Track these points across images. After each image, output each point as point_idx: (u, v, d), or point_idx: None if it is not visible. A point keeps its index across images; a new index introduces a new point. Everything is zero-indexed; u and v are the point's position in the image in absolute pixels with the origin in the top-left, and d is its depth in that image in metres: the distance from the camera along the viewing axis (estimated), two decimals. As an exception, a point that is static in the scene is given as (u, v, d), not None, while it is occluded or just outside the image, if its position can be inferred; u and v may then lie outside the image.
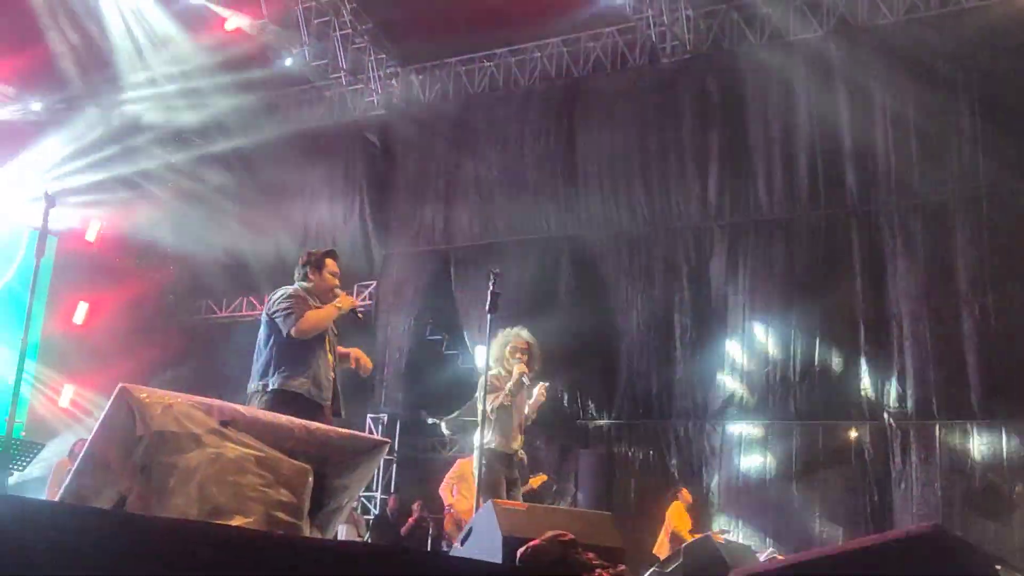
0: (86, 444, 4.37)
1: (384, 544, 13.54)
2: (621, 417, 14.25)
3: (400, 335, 15.78)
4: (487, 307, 7.19)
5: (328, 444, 4.79)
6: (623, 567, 5.37)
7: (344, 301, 6.13)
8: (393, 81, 16.38)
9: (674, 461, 13.74)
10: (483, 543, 6.32)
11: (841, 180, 13.25)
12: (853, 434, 12.81)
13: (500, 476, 7.18)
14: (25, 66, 13.74)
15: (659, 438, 13.91)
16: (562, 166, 14.92)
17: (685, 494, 12.21)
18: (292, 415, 4.71)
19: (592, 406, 14.42)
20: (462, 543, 6.78)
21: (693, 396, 13.80)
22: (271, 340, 5.99)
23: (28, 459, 10.57)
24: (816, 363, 13.08)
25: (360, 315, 6.25)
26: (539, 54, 15.34)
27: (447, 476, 10.26)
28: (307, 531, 4.62)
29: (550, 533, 4.68)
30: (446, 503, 10.26)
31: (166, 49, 14.59)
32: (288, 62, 15.45)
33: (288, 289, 6.13)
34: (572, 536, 4.63)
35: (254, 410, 4.80)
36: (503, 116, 15.48)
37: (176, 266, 16.94)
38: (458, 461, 10.48)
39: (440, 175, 15.88)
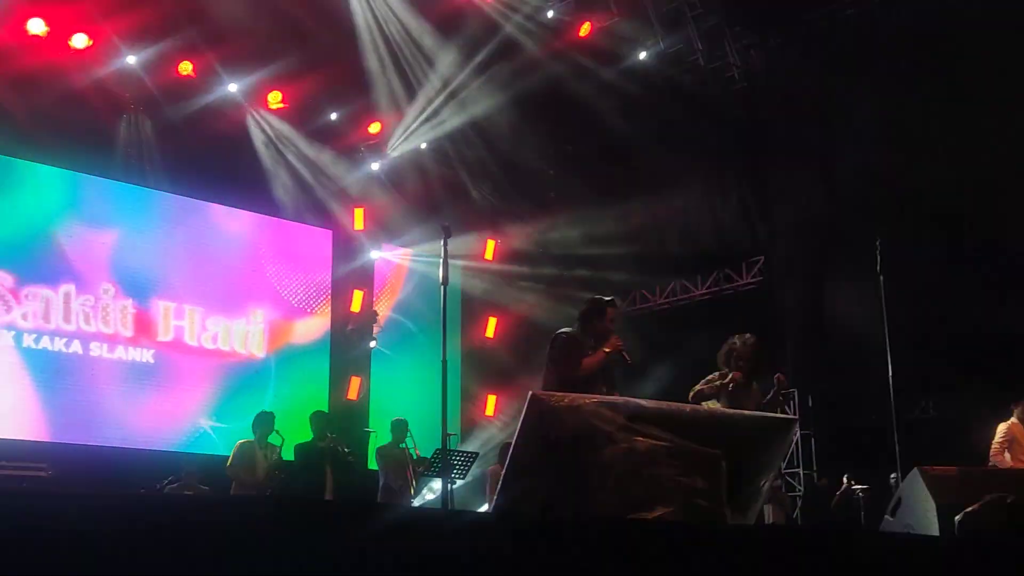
0: (509, 452, 4.69)
1: (811, 523, 13.26)
2: None
3: (795, 306, 15.37)
4: (878, 269, 7.11)
5: (734, 428, 4.80)
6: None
7: (612, 344, 6.57)
8: (751, 51, 15.98)
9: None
10: (915, 514, 6.02)
11: None
12: None
13: None
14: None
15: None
16: (949, 104, 13.65)
17: None
18: None
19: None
20: (892, 514, 6.50)
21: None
22: (547, 378, 6.48)
23: (466, 468, 11.51)
24: None
25: (627, 357, 6.64)
26: (906, -9, 14.25)
27: (995, 441, 9.69)
28: (728, 516, 4.65)
29: (988, 497, 4.37)
30: (1000, 467, 9.53)
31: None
32: (643, 55, 15.56)
33: (563, 334, 6.68)
34: (1013, 498, 4.29)
35: (658, 403, 4.90)
36: (873, 65, 14.52)
37: (562, 268, 17.47)
38: (1001, 425, 9.83)
39: (814, 138, 15.24)
